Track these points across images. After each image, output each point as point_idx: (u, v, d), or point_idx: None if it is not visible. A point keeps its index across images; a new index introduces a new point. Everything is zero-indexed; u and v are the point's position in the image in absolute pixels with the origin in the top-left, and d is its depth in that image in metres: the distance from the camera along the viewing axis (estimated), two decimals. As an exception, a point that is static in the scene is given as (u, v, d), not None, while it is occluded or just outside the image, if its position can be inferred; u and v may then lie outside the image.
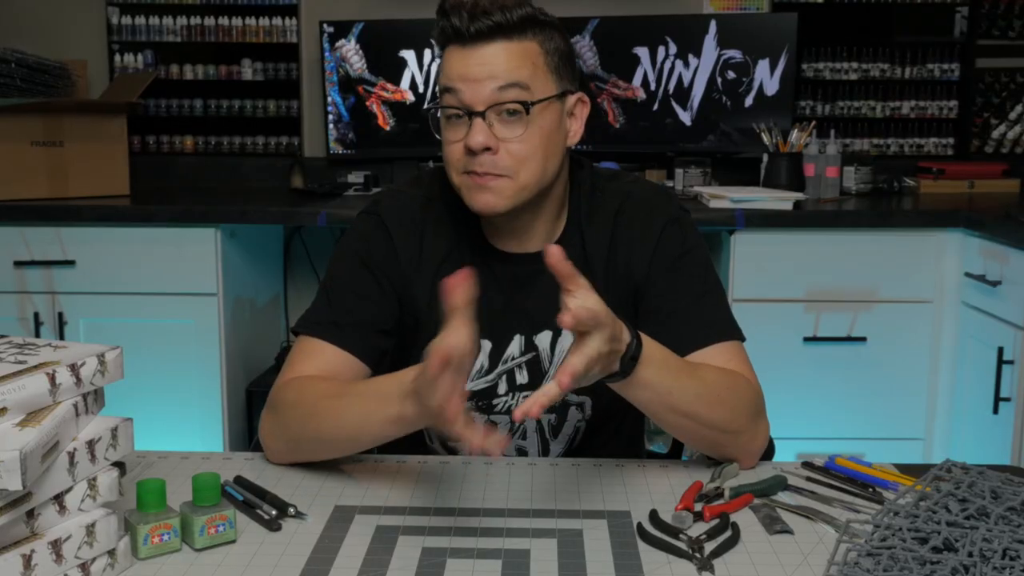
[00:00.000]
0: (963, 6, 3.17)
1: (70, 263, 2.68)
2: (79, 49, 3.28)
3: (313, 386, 1.20)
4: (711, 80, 3.08)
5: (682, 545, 0.99)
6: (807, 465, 1.22)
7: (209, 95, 3.33)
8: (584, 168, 1.36)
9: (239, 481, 1.14)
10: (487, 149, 1.19)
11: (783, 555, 0.98)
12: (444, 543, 1.00)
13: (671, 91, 3.10)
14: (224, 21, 3.26)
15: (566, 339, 1.31)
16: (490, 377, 1.32)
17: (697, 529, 1.03)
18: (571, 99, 1.27)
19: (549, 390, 0.95)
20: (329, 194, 3.05)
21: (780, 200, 2.69)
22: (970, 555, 0.86)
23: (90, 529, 0.89)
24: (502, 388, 1.33)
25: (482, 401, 1.33)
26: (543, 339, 1.31)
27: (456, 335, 0.97)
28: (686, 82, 3.09)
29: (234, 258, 2.79)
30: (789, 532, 1.03)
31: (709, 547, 0.98)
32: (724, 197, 2.68)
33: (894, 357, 2.64)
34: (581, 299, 0.98)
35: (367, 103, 3.17)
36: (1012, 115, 3.22)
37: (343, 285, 1.31)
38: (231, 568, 0.95)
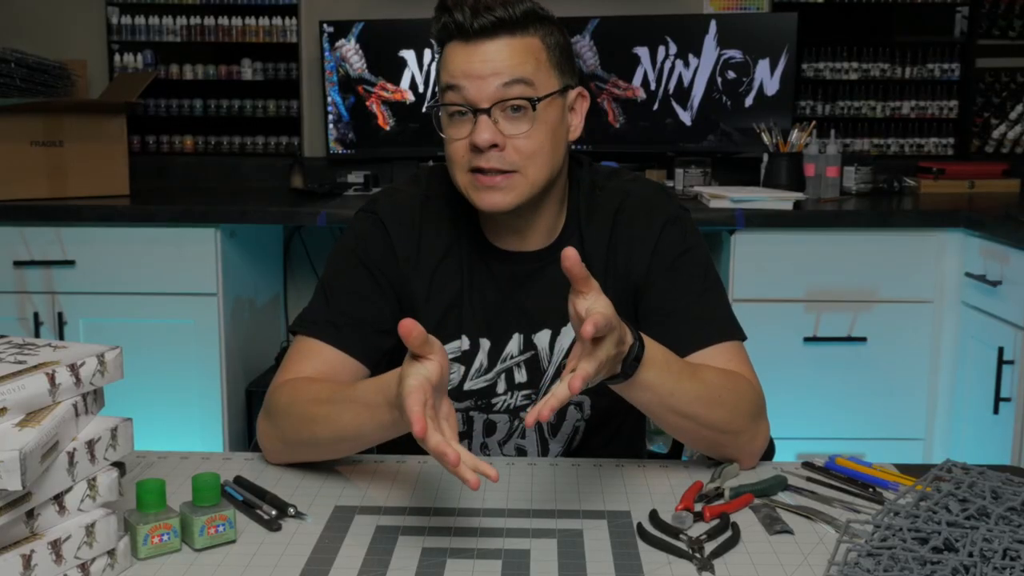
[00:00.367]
0: (963, 6, 3.17)
1: (70, 263, 2.68)
2: (79, 49, 3.28)
3: (306, 390, 1.19)
4: (711, 80, 3.08)
5: (682, 545, 0.99)
6: (807, 465, 1.22)
7: (209, 95, 3.33)
8: (583, 166, 1.36)
9: (239, 481, 1.14)
10: (494, 146, 1.19)
11: (783, 555, 0.98)
12: (444, 543, 1.00)
13: (671, 91, 3.10)
14: (224, 21, 3.26)
15: (565, 338, 1.31)
16: (489, 376, 1.32)
17: (697, 529, 1.03)
18: (572, 94, 1.27)
19: (559, 392, 0.94)
20: (329, 194, 3.05)
21: (780, 200, 2.69)
22: (970, 555, 0.86)
23: (90, 529, 0.89)
24: (501, 387, 1.33)
25: (481, 400, 1.33)
26: (542, 338, 1.31)
27: (419, 375, 0.96)
28: (686, 82, 3.09)
29: (234, 258, 2.79)
30: (789, 532, 1.03)
31: (709, 547, 0.98)
32: (724, 197, 2.68)
33: (894, 357, 2.64)
34: (591, 302, 0.98)
35: (367, 103, 3.17)
36: (1012, 115, 3.22)
37: (341, 284, 1.30)
38: (231, 568, 0.95)
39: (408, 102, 3.15)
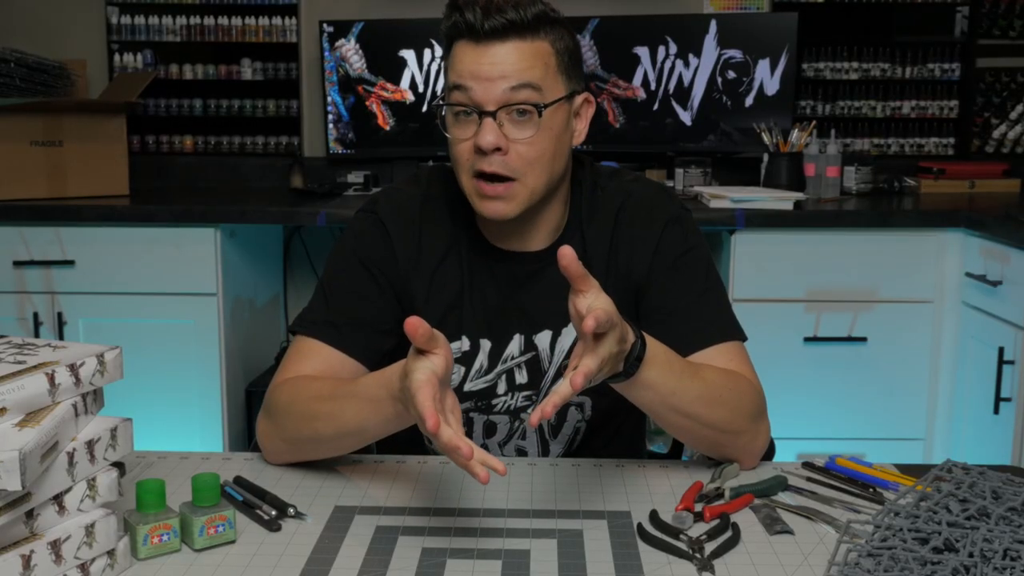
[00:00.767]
0: (963, 6, 3.17)
1: (69, 263, 2.68)
2: (79, 49, 3.28)
3: (307, 387, 1.19)
4: (711, 80, 3.08)
5: (682, 545, 0.99)
6: (807, 465, 1.22)
7: (209, 95, 3.33)
8: (585, 166, 1.35)
9: (239, 481, 1.14)
10: (497, 149, 1.19)
11: (783, 555, 0.98)
12: (444, 543, 1.00)
13: (671, 91, 3.10)
14: (224, 21, 3.26)
15: (565, 338, 1.31)
16: (489, 377, 1.32)
17: (697, 529, 1.03)
18: (578, 99, 1.27)
19: (562, 390, 0.94)
20: (329, 194, 3.05)
21: (780, 200, 2.69)
22: (971, 555, 0.86)
23: (89, 529, 0.89)
24: (501, 388, 1.32)
25: (481, 401, 1.33)
26: (543, 338, 1.31)
27: (426, 369, 0.96)
28: (686, 82, 3.09)
29: (234, 258, 2.79)
30: (789, 532, 1.03)
31: (709, 547, 0.98)
32: (724, 197, 2.68)
33: (894, 357, 2.64)
34: (592, 299, 0.98)
35: (367, 103, 3.17)
36: (1013, 115, 3.22)
37: (340, 285, 1.30)
38: (231, 568, 0.95)
39: (408, 102, 3.15)
